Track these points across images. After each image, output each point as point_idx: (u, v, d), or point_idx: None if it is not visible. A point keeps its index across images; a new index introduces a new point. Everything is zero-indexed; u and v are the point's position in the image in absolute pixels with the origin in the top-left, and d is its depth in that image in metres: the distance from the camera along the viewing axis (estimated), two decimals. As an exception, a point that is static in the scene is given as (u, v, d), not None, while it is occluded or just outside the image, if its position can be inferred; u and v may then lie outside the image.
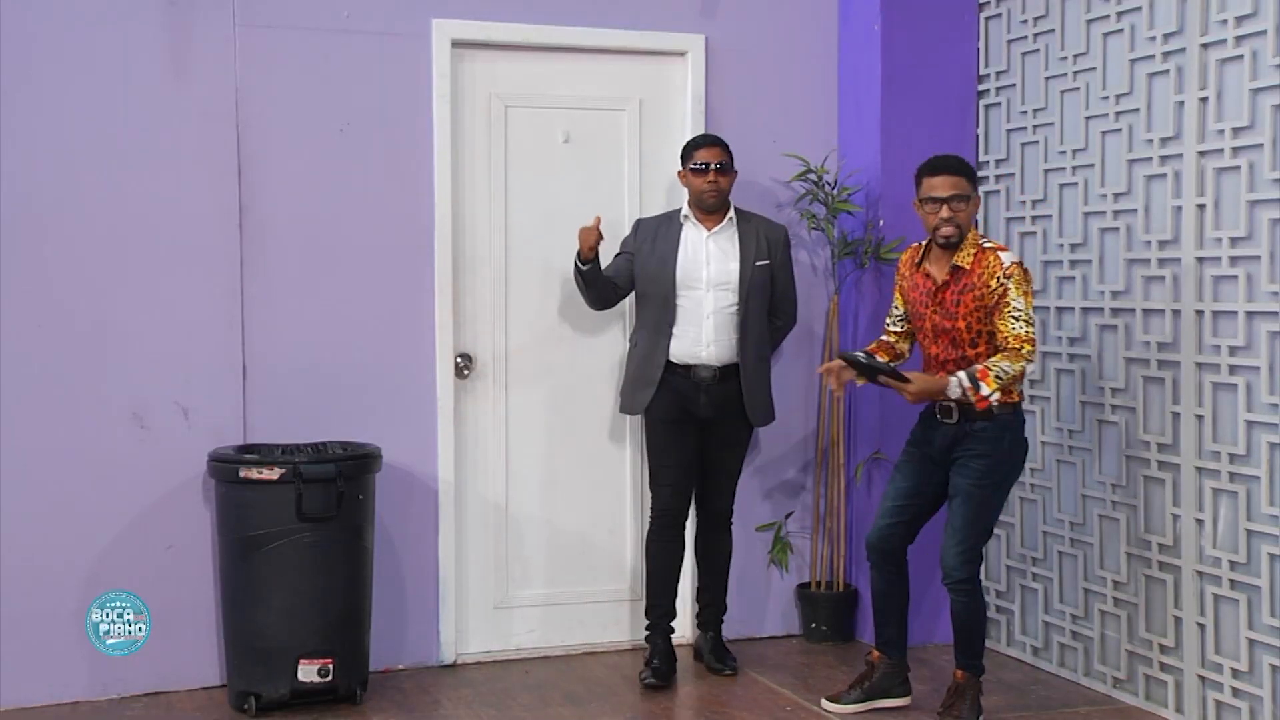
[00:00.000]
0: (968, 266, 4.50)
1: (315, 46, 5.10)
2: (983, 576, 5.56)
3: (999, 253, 4.48)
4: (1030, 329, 4.39)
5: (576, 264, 5.03)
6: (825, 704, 4.83)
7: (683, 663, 5.32)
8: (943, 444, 4.57)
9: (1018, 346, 4.37)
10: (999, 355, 4.39)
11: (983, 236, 4.61)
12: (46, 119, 4.81)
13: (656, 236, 5.15)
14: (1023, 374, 4.39)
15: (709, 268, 5.08)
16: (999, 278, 4.42)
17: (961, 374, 4.38)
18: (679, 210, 5.20)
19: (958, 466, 4.54)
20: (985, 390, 4.33)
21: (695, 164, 5.08)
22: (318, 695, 4.75)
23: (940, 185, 4.51)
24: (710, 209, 5.12)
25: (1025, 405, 5.30)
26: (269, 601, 4.68)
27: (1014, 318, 4.39)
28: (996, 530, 5.51)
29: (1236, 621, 4.41)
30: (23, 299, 4.80)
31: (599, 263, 5.04)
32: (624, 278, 5.17)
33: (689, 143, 5.20)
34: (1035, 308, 5.25)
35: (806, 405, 5.73)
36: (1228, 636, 4.46)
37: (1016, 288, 4.40)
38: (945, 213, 4.49)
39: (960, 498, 4.54)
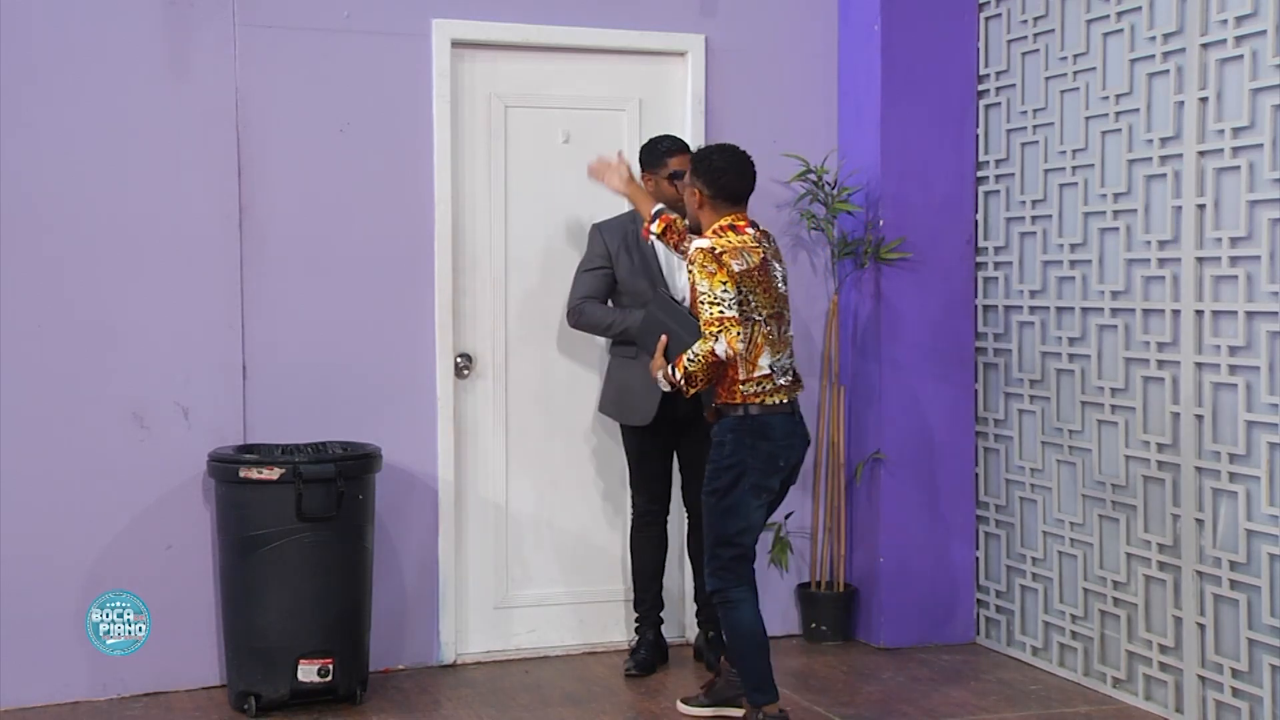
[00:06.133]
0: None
1: (315, 46, 5.11)
2: (982, 577, 5.60)
3: (695, 240, 4.40)
4: (715, 309, 4.24)
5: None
6: (679, 704, 4.77)
7: (683, 663, 5.32)
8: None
9: (705, 329, 4.27)
10: None
11: (724, 224, 4.40)
12: (47, 119, 4.81)
13: (627, 244, 5.09)
14: (711, 357, 4.23)
15: (681, 274, 5.00)
16: (689, 267, 4.35)
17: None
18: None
19: None
20: (677, 374, 4.31)
21: (674, 172, 4.96)
22: (318, 695, 4.75)
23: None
24: (681, 214, 5.08)
25: (1024, 405, 5.32)
26: (269, 601, 4.68)
27: (701, 303, 4.28)
28: (996, 530, 5.51)
29: (1236, 621, 4.41)
30: (23, 299, 4.79)
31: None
32: (611, 294, 5.13)
33: (657, 147, 5.06)
34: (1035, 307, 5.27)
35: (806, 406, 5.71)
36: (1228, 636, 4.46)
37: (700, 271, 4.27)
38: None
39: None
